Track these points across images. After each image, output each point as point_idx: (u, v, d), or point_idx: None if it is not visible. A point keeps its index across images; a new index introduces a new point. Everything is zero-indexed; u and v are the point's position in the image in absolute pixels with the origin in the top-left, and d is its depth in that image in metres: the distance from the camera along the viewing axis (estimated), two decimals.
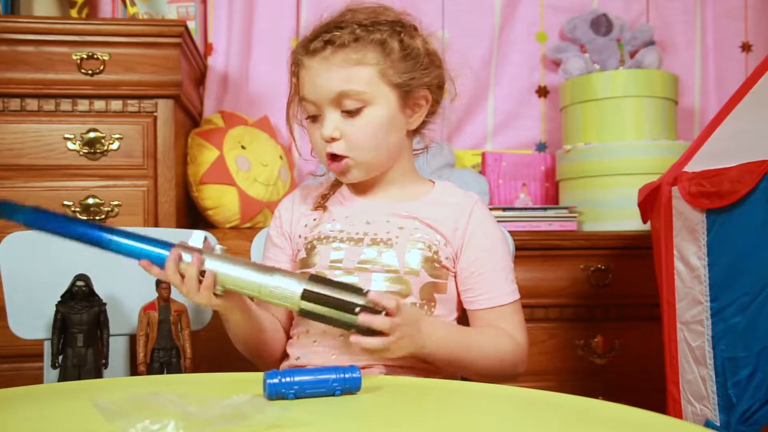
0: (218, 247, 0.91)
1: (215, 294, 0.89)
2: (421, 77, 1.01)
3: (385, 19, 1.00)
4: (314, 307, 0.87)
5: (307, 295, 0.86)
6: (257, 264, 0.91)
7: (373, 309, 0.86)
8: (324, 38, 0.98)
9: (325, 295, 0.86)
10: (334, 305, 0.86)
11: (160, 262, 0.89)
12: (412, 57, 1.00)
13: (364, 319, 0.85)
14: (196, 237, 0.90)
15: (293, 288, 0.87)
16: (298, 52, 1.03)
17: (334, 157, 1.00)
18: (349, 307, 0.86)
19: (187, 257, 0.88)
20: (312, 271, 1.01)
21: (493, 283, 1.02)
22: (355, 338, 0.86)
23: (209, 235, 0.94)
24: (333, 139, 0.99)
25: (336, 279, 0.90)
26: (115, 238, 0.89)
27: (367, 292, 0.88)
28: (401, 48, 0.99)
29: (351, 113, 0.98)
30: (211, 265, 0.88)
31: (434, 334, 0.94)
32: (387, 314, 0.86)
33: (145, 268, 0.89)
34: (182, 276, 0.88)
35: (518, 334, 1.02)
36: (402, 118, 1.02)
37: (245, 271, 0.88)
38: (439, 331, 0.95)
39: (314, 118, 1.02)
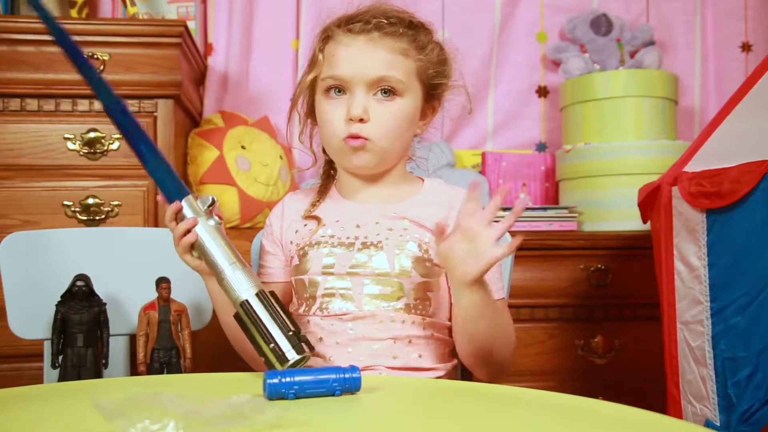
0: (214, 218, 0.94)
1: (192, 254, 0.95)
2: (442, 87, 1.05)
3: (424, 25, 1.05)
4: (245, 318, 0.89)
5: (243, 306, 0.89)
6: (233, 251, 0.93)
7: (282, 356, 0.85)
8: (372, 22, 0.99)
9: (255, 316, 0.88)
10: (257, 329, 0.87)
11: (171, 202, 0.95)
12: (445, 65, 1.04)
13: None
14: (205, 198, 0.95)
15: (239, 292, 0.89)
16: (335, 30, 1.01)
17: (355, 136, 0.99)
18: (267, 338, 0.87)
19: (187, 213, 0.94)
20: (305, 277, 1.01)
21: None
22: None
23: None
24: (361, 120, 0.98)
25: (281, 308, 0.89)
26: (151, 157, 0.94)
27: (298, 333, 0.87)
28: (439, 54, 1.04)
29: (384, 99, 0.99)
30: (199, 229, 0.93)
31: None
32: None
33: (162, 203, 0.99)
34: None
35: None
36: (418, 120, 1.05)
37: (217, 251, 0.92)
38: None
39: (336, 93, 1.00)
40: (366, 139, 0.99)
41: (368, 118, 0.98)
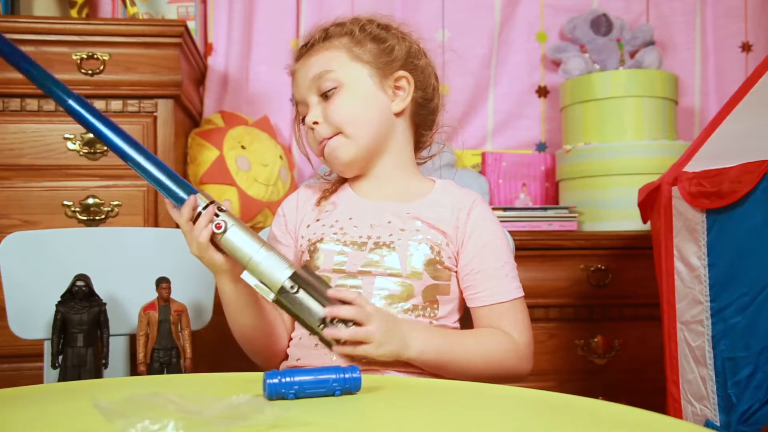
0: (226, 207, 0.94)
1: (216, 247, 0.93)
2: (392, 54, 1.05)
3: (357, 17, 1.07)
4: (286, 303, 0.89)
5: (281, 291, 0.89)
6: (259, 236, 0.92)
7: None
8: (304, 43, 1.07)
9: (309, 282, 0.89)
10: (315, 295, 0.89)
11: (178, 204, 0.92)
12: (381, 39, 1.05)
13: (329, 310, 0.88)
14: (206, 194, 0.94)
15: (281, 270, 0.89)
16: (289, 65, 1.10)
17: (320, 141, 1.04)
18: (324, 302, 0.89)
19: (201, 201, 0.92)
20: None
21: (493, 280, 1.02)
22: (329, 331, 0.88)
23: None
24: (316, 124, 1.03)
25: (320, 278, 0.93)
26: (138, 157, 0.92)
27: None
28: (369, 33, 1.05)
29: (327, 95, 1.02)
30: (224, 217, 0.92)
31: (417, 336, 0.94)
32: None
33: (168, 206, 0.94)
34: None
35: (518, 333, 1.01)
36: (382, 96, 1.05)
37: (246, 236, 0.91)
38: (422, 333, 0.95)
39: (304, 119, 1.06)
40: (329, 138, 1.03)
41: (322, 120, 1.03)
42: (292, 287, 0.89)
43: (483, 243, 1.03)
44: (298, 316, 0.90)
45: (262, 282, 0.90)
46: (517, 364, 1.00)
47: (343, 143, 1.03)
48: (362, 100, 1.03)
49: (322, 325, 0.89)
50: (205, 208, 0.91)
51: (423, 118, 1.11)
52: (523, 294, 1.03)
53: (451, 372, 0.97)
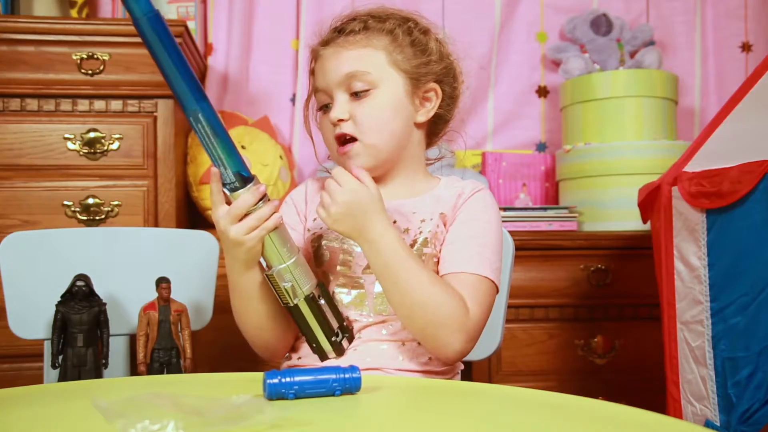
0: None
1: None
2: (429, 67, 1.02)
3: (396, 14, 1.04)
4: (307, 312, 0.92)
5: (309, 300, 0.92)
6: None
7: (341, 348, 0.95)
8: (336, 28, 1.02)
9: (319, 310, 0.93)
10: (320, 322, 0.93)
11: (227, 182, 0.91)
12: (421, 48, 1.02)
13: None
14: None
15: (305, 285, 0.91)
16: (314, 46, 1.05)
17: (342, 141, 1.01)
18: (329, 332, 0.94)
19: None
20: (318, 271, 1.01)
21: (463, 251, 0.97)
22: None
23: None
24: (341, 121, 0.99)
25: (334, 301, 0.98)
26: (208, 110, 0.87)
27: (349, 324, 0.98)
28: (410, 38, 1.02)
29: (359, 95, 0.99)
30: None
31: (383, 234, 0.91)
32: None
33: (213, 177, 0.92)
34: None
35: (472, 305, 0.94)
36: (409, 107, 1.02)
37: (286, 239, 0.92)
38: (389, 234, 0.91)
39: (326, 109, 1.03)
40: (353, 138, 0.99)
41: (348, 117, 0.99)
42: (319, 295, 0.93)
43: (466, 219, 1.00)
44: (309, 324, 0.93)
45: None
46: (455, 331, 0.91)
47: (361, 152, 1.00)
48: (391, 108, 1.00)
49: (334, 338, 0.94)
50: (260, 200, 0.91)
51: (438, 126, 1.09)
52: (493, 278, 0.97)
53: (394, 289, 0.92)
